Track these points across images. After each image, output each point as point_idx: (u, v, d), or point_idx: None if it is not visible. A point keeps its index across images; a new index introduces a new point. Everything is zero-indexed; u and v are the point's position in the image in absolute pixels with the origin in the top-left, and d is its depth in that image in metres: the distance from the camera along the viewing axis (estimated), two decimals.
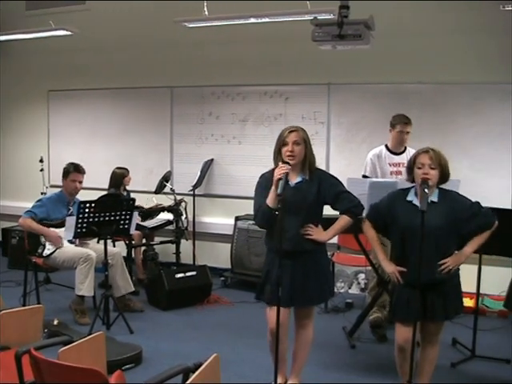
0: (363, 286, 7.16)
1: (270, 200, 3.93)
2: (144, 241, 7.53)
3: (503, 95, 6.69)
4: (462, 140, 6.78)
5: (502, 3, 5.60)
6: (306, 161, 4.05)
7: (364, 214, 4.24)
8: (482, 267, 5.11)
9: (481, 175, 6.73)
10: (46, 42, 7.78)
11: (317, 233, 4.06)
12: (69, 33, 7.13)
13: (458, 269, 3.94)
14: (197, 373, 2.66)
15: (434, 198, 3.85)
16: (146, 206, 7.42)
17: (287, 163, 3.90)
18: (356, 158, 6.90)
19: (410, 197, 3.93)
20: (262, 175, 4.21)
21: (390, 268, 3.96)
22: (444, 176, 3.88)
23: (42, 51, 8.39)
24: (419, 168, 3.83)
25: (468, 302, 6.22)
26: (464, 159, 6.63)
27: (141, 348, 4.96)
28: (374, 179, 5.53)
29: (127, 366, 4.67)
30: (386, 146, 5.99)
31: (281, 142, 4.03)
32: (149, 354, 5.00)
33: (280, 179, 3.79)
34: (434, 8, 6.45)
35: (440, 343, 4.14)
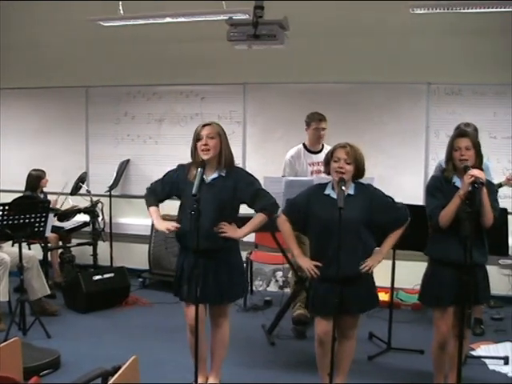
0: (281, 284, 7.23)
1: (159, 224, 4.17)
2: (60, 243, 7.39)
3: (416, 95, 6.92)
4: (377, 138, 6.97)
5: (411, 6, 5.77)
6: (222, 156, 4.06)
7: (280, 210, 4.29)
8: (396, 262, 5.27)
9: (394, 172, 6.93)
10: None
11: (231, 230, 4.07)
12: None
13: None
14: (115, 376, 2.63)
15: (351, 191, 3.93)
16: (62, 207, 7.29)
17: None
18: (272, 157, 6.97)
19: (328, 190, 3.99)
20: (181, 165, 4.26)
21: (305, 263, 4.01)
22: (359, 171, 3.97)
23: None
24: (335, 161, 3.90)
25: (383, 296, 6.37)
26: (378, 157, 6.80)
27: (59, 353, 4.85)
28: (290, 178, 5.58)
29: (45, 372, 4.57)
30: (304, 145, 6.07)
31: (196, 137, 4.05)
32: (67, 359, 4.89)
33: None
34: (347, 8, 6.58)
35: (357, 337, 4.21)
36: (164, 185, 4.23)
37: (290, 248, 4.26)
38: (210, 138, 4.01)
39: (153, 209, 4.25)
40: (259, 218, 4.15)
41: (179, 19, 6.28)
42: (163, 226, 4.12)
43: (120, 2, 6.21)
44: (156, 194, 4.27)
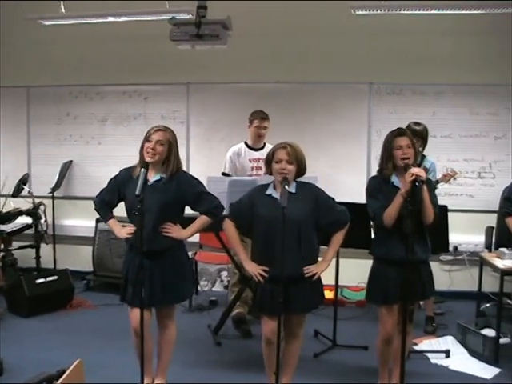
0: (226, 284, 7.22)
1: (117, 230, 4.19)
2: (2, 246, 7.23)
3: (358, 94, 7.03)
4: (319, 138, 7.05)
5: (352, 7, 5.86)
6: (168, 161, 4.06)
7: (225, 212, 4.29)
8: (340, 260, 5.33)
9: (337, 172, 7.02)
10: None
11: (175, 231, 4.07)
12: None
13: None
14: (60, 380, 2.61)
15: (292, 189, 3.94)
16: (3, 209, 7.14)
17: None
18: (216, 157, 6.94)
19: (270, 190, 4.01)
20: (123, 169, 4.23)
21: (251, 268, 4.01)
22: (301, 170, 4.00)
23: None
24: (277, 162, 3.93)
25: (328, 294, 6.43)
26: (321, 157, 6.89)
27: (1, 358, 4.73)
28: (234, 178, 5.61)
29: None
30: (246, 143, 6.10)
31: (146, 138, 4.03)
32: (10, 365, 4.77)
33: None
34: (290, 8, 6.64)
35: (303, 335, 4.24)
36: (110, 192, 4.20)
37: (237, 253, 4.29)
38: (160, 144, 4.01)
39: (111, 222, 4.26)
40: (202, 221, 4.17)
41: (122, 18, 6.24)
42: (122, 234, 4.13)
43: (61, 2, 6.14)
44: (107, 205, 4.25)
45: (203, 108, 7.39)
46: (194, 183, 4.18)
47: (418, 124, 5.63)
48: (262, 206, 3.98)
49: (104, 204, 4.25)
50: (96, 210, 4.32)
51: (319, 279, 4.05)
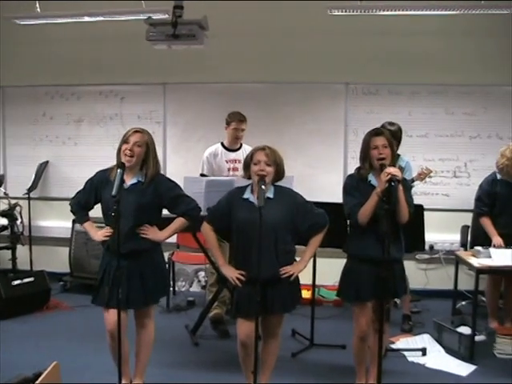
0: (204, 284, 7.22)
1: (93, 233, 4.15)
2: None
3: (335, 94, 7.06)
4: (297, 138, 7.08)
5: (329, 8, 5.88)
6: (146, 164, 4.05)
7: (202, 213, 4.29)
8: (317, 259, 5.36)
9: (314, 171, 7.06)
10: None
11: (152, 232, 4.07)
12: None
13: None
14: (36, 382, 2.60)
15: (270, 194, 3.93)
16: None
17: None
18: (192, 157, 6.95)
19: (247, 194, 4.00)
20: (100, 171, 4.20)
21: (229, 273, 4.00)
22: (279, 173, 4.00)
23: None
24: (255, 164, 3.93)
25: (305, 294, 6.45)
26: (298, 156, 6.91)
27: None
28: (211, 178, 5.60)
29: None
30: (222, 144, 6.10)
31: (123, 140, 4.02)
32: None
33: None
34: (266, 8, 6.65)
35: (281, 335, 4.24)
36: (86, 194, 4.18)
37: (214, 256, 4.30)
38: (138, 145, 3.99)
39: (87, 224, 4.24)
40: (179, 223, 4.17)
41: (98, 18, 6.21)
42: (98, 237, 4.10)
43: (37, 2, 6.10)
44: (82, 207, 4.22)
45: (180, 108, 7.39)
46: (171, 186, 4.17)
47: (392, 124, 5.67)
48: (239, 209, 3.96)
49: (80, 206, 4.22)
50: (72, 212, 4.29)
51: (297, 279, 4.07)
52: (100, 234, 4.10)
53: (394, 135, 5.43)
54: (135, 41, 5.51)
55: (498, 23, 6.39)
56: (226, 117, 6.05)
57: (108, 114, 7.52)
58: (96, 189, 4.12)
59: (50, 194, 7.73)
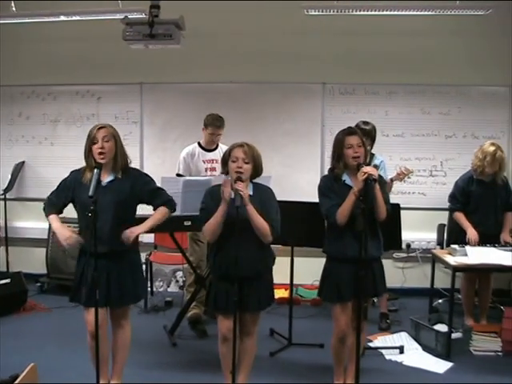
0: (182, 284, 7.21)
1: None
2: None
3: (311, 94, 7.08)
4: (273, 138, 7.10)
5: (306, 7, 5.90)
6: (118, 158, 4.03)
7: (178, 213, 4.28)
8: (295, 259, 5.37)
9: (291, 170, 7.08)
10: None
11: (135, 230, 4.00)
12: None
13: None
14: None
15: (250, 191, 3.95)
16: None
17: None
18: (170, 157, 6.96)
19: None
20: (73, 171, 4.17)
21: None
22: (257, 170, 4.02)
23: None
24: (233, 161, 3.93)
25: (283, 293, 6.49)
26: (275, 156, 6.92)
27: None
28: (188, 178, 5.59)
29: None
30: (199, 144, 6.09)
31: (90, 140, 3.99)
32: None
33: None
34: (243, 8, 6.65)
35: (258, 334, 4.25)
36: (59, 193, 4.12)
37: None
38: (106, 141, 3.97)
39: (52, 217, 4.10)
40: (161, 212, 4.14)
41: (74, 17, 6.18)
42: (64, 238, 3.95)
43: (12, 1, 6.06)
44: (53, 205, 4.13)
45: (157, 108, 7.37)
46: (147, 180, 4.17)
47: (366, 123, 5.70)
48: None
49: (50, 205, 4.13)
50: (44, 210, 4.19)
51: (271, 277, 4.12)
52: (68, 239, 3.95)
53: (368, 134, 5.47)
54: (112, 40, 5.48)
55: (472, 24, 6.47)
56: (203, 117, 6.04)
57: (85, 114, 7.47)
58: (69, 189, 4.07)
59: (27, 195, 7.67)
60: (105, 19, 6.09)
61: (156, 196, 4.14)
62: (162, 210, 4.14)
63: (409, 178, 5.91)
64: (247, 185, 3.94)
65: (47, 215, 4.13)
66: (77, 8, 6.08)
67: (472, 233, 5.58)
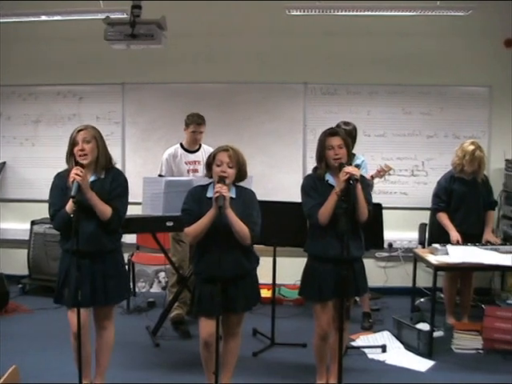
0: (164, 285, 7.20)
1: (69, 207, 3.81)
2: None
3: (293, 94, 7.11)
4: (255, 137, 7.11)
5: (288, 8, 5.91)
6: (99, 158, 4.01)
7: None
8: (277, 258, 5.38)
9: (273, 170, 7.10)
10: None
11: (84, 178, 3.86)
12: None
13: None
14: None
15: (233, 194, 3.94)
16: None
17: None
18: (152, 157, 6.94)
19: (210, 193, 3.96)
20: (58, 174, 4.11)
21: None
22: (241, 175, 4.01)
23: None
24: (218, 165, 3.91)
25: (265, 293, 6.49)
26: (257, 156, 6.92)
27: None
28: (170, 178, 5.57)
29: None
30: (181, 145, 6.08)
31: (72, 142, 3.97)
32: None
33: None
34: (225, 8, 6.67)
35: (241, 334, 4.26)
36: (59, 199, 3.99)
37: None
38: (86, 142, 3.94)
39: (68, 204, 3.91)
40: (104, 206, 3.95)
41: (55, 17, 6.15)
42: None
43: None
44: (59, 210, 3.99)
45: (139, 108, 7.35)
46: (123, 184, 4.11)
47: (347, 124, 5.73)
48: (204, 207, 3.91)
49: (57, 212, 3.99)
50: (57, 228, 4.09)
51: (256, 278, 4.12)
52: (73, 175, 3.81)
53: (349, 135, 5.46)
54: (93, 40, 5.47)
55: (454, 24, 6.54)
56: (185, 118, 6.04)
57: (66, 115, 7.43)
58: (62, 189, 3.99)
59: (8, 196, 7.61)
60: (86, 19, 6.07)
61: (115, 197, 4.03)
62: (107, 207, 3.97)
63: (389, 174, 5.94)
64: (229, 188, 3.92)
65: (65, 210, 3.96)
66: (58, 8, 6.05)
67: (455, 235, 5.61)
